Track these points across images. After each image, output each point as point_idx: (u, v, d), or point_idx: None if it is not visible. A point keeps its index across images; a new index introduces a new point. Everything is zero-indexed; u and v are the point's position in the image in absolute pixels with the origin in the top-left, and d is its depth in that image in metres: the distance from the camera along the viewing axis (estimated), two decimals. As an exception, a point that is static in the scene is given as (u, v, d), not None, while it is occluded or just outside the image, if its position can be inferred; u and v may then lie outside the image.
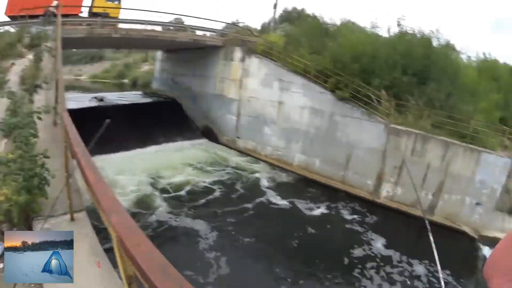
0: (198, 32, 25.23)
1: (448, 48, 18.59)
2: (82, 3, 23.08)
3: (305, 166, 18.10)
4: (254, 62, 19.95)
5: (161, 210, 13.47)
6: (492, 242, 13.91)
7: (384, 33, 19.60)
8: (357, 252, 12.15)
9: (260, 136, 20.02)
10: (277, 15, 28.92)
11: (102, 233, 6.36)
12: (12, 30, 19.16)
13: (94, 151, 12.79)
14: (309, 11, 42.97)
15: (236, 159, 19.85)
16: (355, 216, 14.50)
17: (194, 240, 11.59)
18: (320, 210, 14.72)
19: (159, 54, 32.84)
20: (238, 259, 11.01)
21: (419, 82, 16.37)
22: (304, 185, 16.93)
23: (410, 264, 11.82)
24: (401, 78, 16.14)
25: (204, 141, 23.27)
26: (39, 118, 8.09)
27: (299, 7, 43.53)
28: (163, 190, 15.24)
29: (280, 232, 12.99)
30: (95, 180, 2.53)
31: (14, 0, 21.00)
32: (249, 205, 14.37)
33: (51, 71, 13.57)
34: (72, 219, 5.78)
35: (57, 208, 5.61)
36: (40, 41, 16.42)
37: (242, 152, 20.80)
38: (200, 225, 12.49)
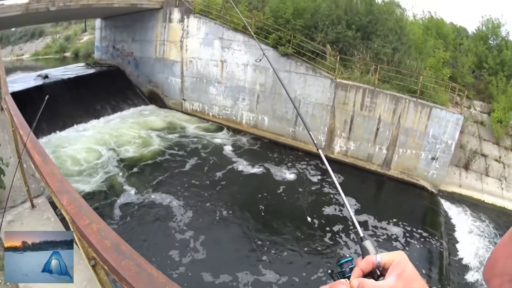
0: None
1: (392, 4, 18.33)
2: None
3: (254, 124, 18.07)
4: (193, 22, 19.44)
5: (130, 190, 12.62)
6: (451, 197, 14.54)
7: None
8: (330, 212, 12.06)
9: (206, 96, 19.83)
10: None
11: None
12: None
13: (44, 131, 11.39)
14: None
15: (190, 123, 19.51)
16: (320, 177, 14.26)
17: (169, 220, 10.99)
18: (287, 173, 14.42)
19: (97, 22, 31.66)
20: (216, 235, 10.57)
21: (364, 37, 16.24)
22: (265, 147, 16.62)
23: (382, 228, 11.70)
24: (345, 33, 15.81)
25: (151, 107, 22.78)
26: (-18, 106, 7.46)
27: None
28: (126, 166, 14.44)
29: (255, 201, 12.47)
30: (42, 162, 2.53)
31: None
32: (220, 174, 13.92)
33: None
34: (33, 205, 5.35)
35: (17, 197, 5.41)
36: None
37: (189, 114, 20.61)
38: (174, 202, 11.87)
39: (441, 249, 11.24)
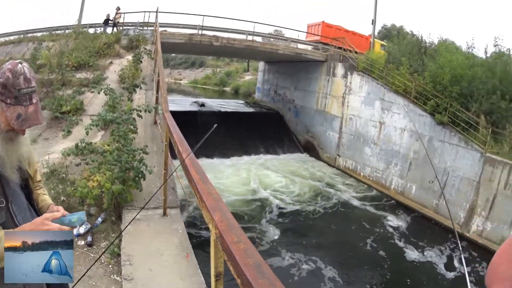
0: (300, 46, 27.30)
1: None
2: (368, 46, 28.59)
3: (401, 191, 18.39)
4: (356, 79, 21.44)
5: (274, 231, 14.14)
6: None
7: (480, 54, 20.44)
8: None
9: (360, 156, 21.10)
10: (376, 32, 30.05)
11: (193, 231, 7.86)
12: (108, 31, 22.75)
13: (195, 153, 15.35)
14: (407, 28, 45.66)
15: (341, 180, 20.93)
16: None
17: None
18: (420, 254, 13.83)
19: (261, 64, 35.67)
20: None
21: (521, 108, 16.25)
22: (411, 220, 16.52)
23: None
24: (498, 104, 15.96)
25: (305, 156, 25.01)
26: (139, 116, 8.80)
27: (397, 24, 46.33)
28: (271, 209, 16.10)
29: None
30: (199, 179, 2.77)
31: (326, 32, 28.83)
32: (382, 254, 13.67)
33: (151, 72, 15.22)
34: (165, 214, 6.30)
35: (150, 202, 6.21)
36: (138, 43, 18.92)
37: (341, 170, 22.36)
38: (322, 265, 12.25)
39: None
